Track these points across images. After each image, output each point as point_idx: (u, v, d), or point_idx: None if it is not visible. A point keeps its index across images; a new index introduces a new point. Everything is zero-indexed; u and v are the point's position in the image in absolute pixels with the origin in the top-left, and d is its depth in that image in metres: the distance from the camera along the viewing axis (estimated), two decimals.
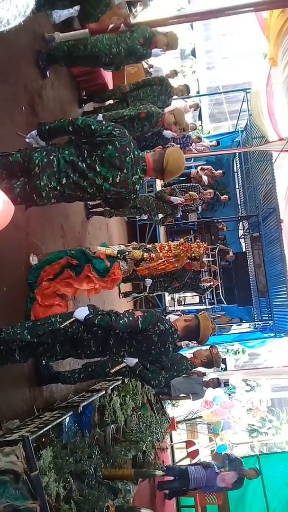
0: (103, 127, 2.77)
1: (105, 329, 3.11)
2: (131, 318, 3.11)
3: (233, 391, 9.24)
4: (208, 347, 4.31)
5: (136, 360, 3.63)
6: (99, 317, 3.10)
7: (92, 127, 2.76)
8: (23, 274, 3.85)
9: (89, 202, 5.45)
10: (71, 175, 2.81)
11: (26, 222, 3.92)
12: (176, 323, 3.31)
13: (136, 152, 2.90)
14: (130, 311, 3.41)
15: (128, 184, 2.89)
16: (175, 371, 4.03)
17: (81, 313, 3.10)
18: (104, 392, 4.66)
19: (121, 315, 3.17)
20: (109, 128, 2.78)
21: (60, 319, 3.12)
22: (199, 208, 9.36)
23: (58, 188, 2.83)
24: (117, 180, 2.85)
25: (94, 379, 4.30)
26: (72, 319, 3.09)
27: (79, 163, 2.79)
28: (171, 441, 9.30)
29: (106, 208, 5.53)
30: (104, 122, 2.83)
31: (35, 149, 2.88)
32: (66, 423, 3.85)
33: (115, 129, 2.79)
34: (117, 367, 3.87)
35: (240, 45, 16.53)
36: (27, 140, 3.03)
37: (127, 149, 2.82)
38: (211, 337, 9.49)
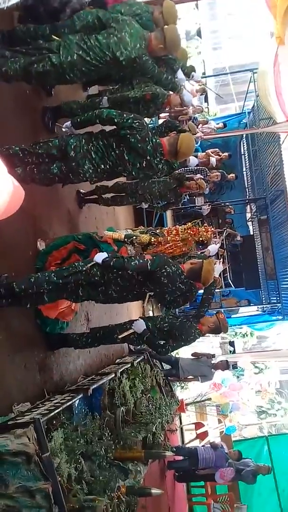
0: (124, 120, 3.28)
1: (119, 270, 3.43)
2: (141, 260, 3.45)
3: (241, 373, 9.29)
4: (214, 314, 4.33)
5: (144, 326, 3.86)
6: (114, 259, 3.43)
7: (115, 120, 3.31)
8: (31, 259, 3.86)
9: (81, 190, 5.36)
10: (108, 162, 3.39)
11: (33, 207, 3.92)
12: (183, 266, 3.63)
13: (154, 140, 3.42)
14: (141, 254, 3.82)
15: (152, 167, 3.46)
16: (182, 340, 4.14)
17: (100, 256, 3.43)
18: (113, 375, 4.70)
19: (132, 257, 3.58)
20: (129, 121, 3.28)
21: (82, 263, 3.47)
22: (207, 189, 9.30)
23: (99, 170, 3.42)
24: (144, 165, 3.43)
25: (102, 344, 4.49)
26: (92, 263, 3.42)
27: (112, 153, 3.37)
28: (181, 423, 9.40)
29: (101, 196, 5.50)
30: (125, 115, 3.31)
31: (70, 136, 3.43)
32: (76, 406, 3.89)
33: (135, 121, 3.29)
34: (125, 333, 3.99)
35: (247, 25, 16.19)
36: (63, 129, 3.66)
37: (147, 139, 3.34)
38: None
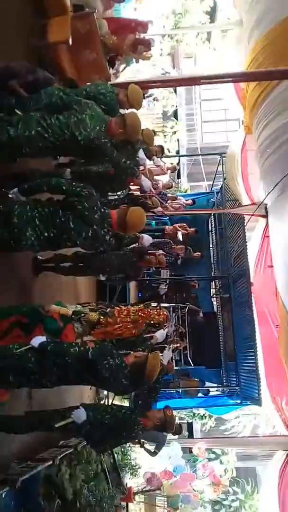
0: (73, 188, 3.26)
1: (56, 355, 3.20)
2: (82, 348, 3.27)
3: (196, 460, 8.76)
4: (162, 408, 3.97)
5: (84, 417, 3.49)
6: (52, 344, 3.23)
7: (63, 187, 3.27)
8: None
9: (39, 256, 5.16)
10: (52, 229, 3.24)
11: None
12: (127, 358, 3.41)
13: (102, 210, 3.36)
14: (83, 341, 3.59)
15: (98, 237, 3.36)
16: (123, 437, 3.80)
17: (37, 340, 3.22)
18: (51, 462, 4.29)
19: (73, 344, 3.36)
20: (78, 189, 3.25)
21: (17, 346, 3.21)
22: (178, 262, 9.39)
23: (41, 238, 3.24)
24: (89, 235, 3.31)
25: (37, 431, 4.04)
26: (28, 346, 3.19)
27: (57, 220, 3.23)
28: None
29: (58, 264, 5.29)
30: (74, 184, 3.30)
31: (16, 202, 3.30)
32: (3, 498, 3.47)
33: (84, 189, 3.26)
34: (63, 422, 3.61)
35: (220, 110, 17.29)
36: (10, 195, 3.45)
37: (95, 207, 3.29)
38: (177, 400, 8.99)
